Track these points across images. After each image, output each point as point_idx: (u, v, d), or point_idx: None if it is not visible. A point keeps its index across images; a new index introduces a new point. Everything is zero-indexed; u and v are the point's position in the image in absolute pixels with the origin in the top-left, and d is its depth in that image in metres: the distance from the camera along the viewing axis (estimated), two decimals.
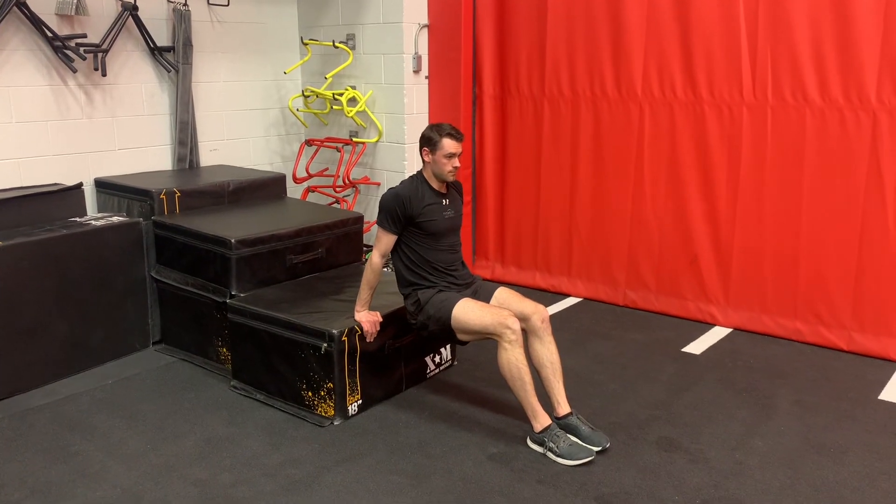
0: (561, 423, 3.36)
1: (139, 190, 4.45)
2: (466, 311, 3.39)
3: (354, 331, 3.55)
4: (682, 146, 4.73)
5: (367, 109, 5.46)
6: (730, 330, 4.71)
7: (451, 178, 3.54)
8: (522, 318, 3.40)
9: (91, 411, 3.67)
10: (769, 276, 4.57)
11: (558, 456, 3.20)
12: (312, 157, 5.71)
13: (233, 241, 3.95)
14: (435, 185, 3.54)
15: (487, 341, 3.43)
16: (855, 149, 4.17)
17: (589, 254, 5.24)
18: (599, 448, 3.26)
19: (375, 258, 3.55)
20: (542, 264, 5.45)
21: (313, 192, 5.71)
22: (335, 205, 5.57)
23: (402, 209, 3.47)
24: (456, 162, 3.48)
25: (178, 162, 5.17)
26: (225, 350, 4.09)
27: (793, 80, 4.29)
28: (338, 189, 5.51)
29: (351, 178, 5.48)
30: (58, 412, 3.66)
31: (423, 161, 3.53)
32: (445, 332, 3.48)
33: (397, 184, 3.60)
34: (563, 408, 3.40)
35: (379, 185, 5.62)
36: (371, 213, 5.68)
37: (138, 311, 4.35)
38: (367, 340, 3.59)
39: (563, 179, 5.25)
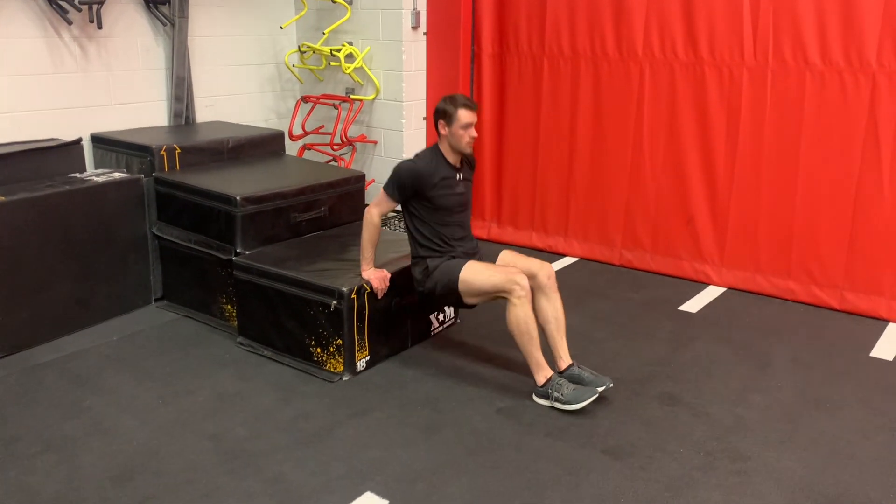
0: (564, 375, 3.44)
1: (139, 146, 4.41)
2: (475, 273, 3.44)
3: (363, 289, 3.58)
4: (681, 107, 4.77)
5: (364, 66, 5.42)
6: (724, 289, 4.80)
7: (468, 150, 3.58)
8: (529, 276, 3.44)
9: (99, 367, 3.69)
10: (764, 237, 4.65)
11: (565, 403, 3.27)
12: (308, 115, 5.67)
13: (238, 198, 3.94)
14: (451, 158, 3.58)
15: (495, 301, 3.48)
16: (853, 112, 4.23)
17: (586, 214, 5.29)
18: (603, 387, 3.33)
19: (375, 216, 3.59)
20: (539, 224, 5.49)
21: (309, 149, 5.69)
22: (332, 163, 5.55)
23: (413, 185, 3.51)
24: (473, 132, 3.51)
25: (175, 118, 5.12)
26: (229, 307, 4.11)
27: (794, 43, 4.32)
28: (335, 147, 5.49)
29: (348, 136, 5.46)
30: (66, 368, 3.67)
31: (440, 134, 3.55)
32: (453, 297, 3.53)
33: (414, 155, 3.62)
34: (565, 361, 3.48)
35: (376, 143, 5.60)
36: (369, 171, 5.68)
37: (140, 268, 4.34)
38: (378, 297, 3.63)
39: (562, 139, 5.27)
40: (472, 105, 3.51)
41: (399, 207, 3.65)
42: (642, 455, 3.01)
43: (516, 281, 3.33)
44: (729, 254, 4.79)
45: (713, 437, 3.14)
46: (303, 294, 3.63)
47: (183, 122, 5.14)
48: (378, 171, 5.65)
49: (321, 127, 5.76)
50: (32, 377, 3.58)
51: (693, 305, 4.56)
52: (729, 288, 4.81)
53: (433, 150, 3.60)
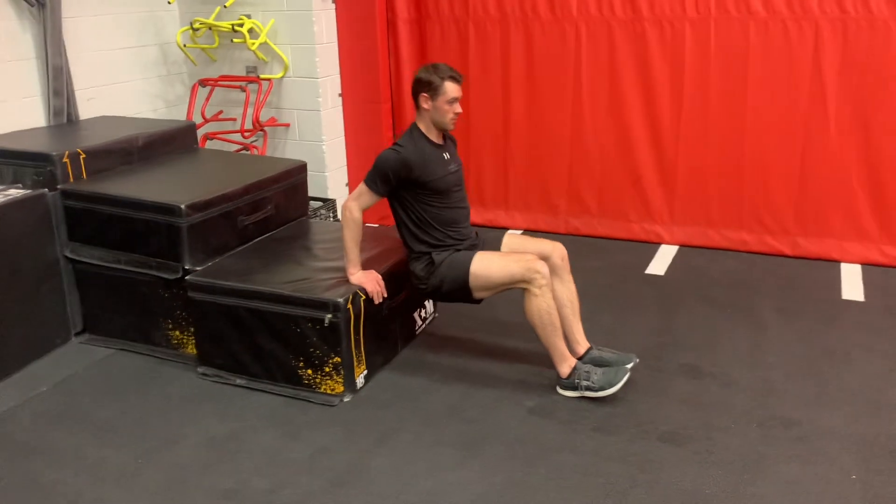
0: (585, 360, 3.24)
1: (31, 154, 3.66)
2: (487, 265, 3.12)
3: (358, 296, 3.16)
4: (622, 66, 4.63)
5: (268, 41, 4.85)
6: (677, 247, 4.77)
7: (451, 127, 3.24)
8: (542, 259, 3.18)
9: (41, 428, 3.03)
10: (714, 190, 4.65)
11: (598, 390, 3.07)
12: (207, 100, 5.02)
13: (183, 206, 3.35)
14: (433, 136, 3.24)
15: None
16: (798, 59, 4.27)
17: (526, 184, 5.07)
18: (631, 364, 3.18)
19: (356, 212, 3.18)
20: (476, 198, 5.20)
21: (212, 139, 5.05)
22: (244, 151, 4.96)
23: (398, 174, 3.14)
24: (458, 108, 3.18)
25: (55, 116, 4.33)
26: (177, 333, 3.54)
27: None
28: (246, 134, 4.90)
29: (260, 121, 4.88)
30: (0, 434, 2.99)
31: (421, 109, 3.19)
32: (461, 292, 3.20)
33: (395, 143, 3.23)
34: (583, 345, 3.30)
35: (288, 126, 5.06)
36: (285, 157, 5.12)
37: (54, 299, 3.63)
38: (376, 303, 3.23)
39: (495, 108, 4.99)
40: (459, 77, 3.17)
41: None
42: (700, 437, 2.86)
43: (536, 269, 3.05)
44: (679, 211, 4.76)
45: (755, 406, 3.05)
46: (286, 311, 3.15)
47: (65, 121, 4.36)
48: (295, 157, 5.11)
49: (220, 112, 5.12)
50: None
51: (657, 268, 4.49)
52: (681, 245, 4.78)
53: (410, 133, 3.24)
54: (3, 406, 3.19)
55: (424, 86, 3.14)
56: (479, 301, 3.27)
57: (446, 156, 3.27)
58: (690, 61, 4.47)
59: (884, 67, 4.12)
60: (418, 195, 3.18)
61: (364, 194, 3.18)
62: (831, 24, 4.14)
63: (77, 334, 3.77)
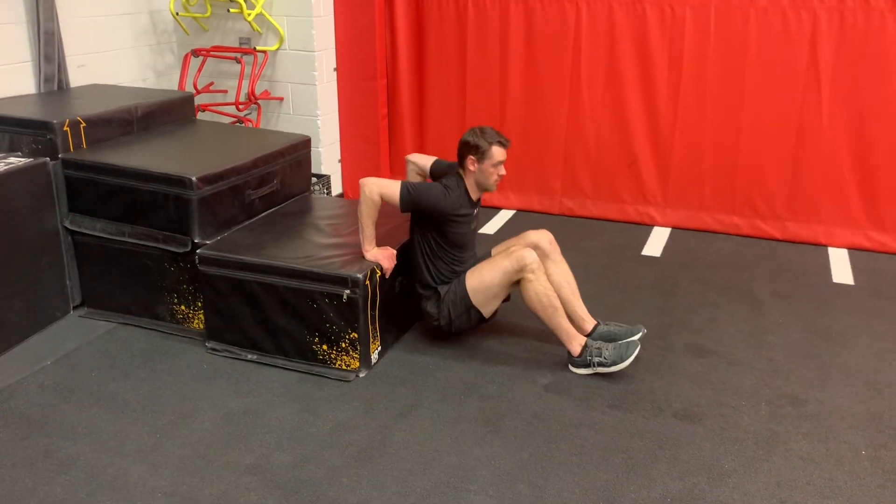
0: (595, 336, 3.31)
1: (31, 121, 3.55)
2: (479, 275, 3.25)
3: (375, 273, 3.16)
4: (621, 47, 4.66)
5: (263, 12, 4.76)
6: (669, 229, 4.85)
7: (494, 189, 3.34)
8: (532, 247, 3.30)
9: (50, 403, 2.97)
10: (708, 174, 4.72)
11: (610, 365, 3.13)
12: (200, 70, 4.91)
13: (193, 179, 3.29)
14: (474, 194, 3.33)
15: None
16: (795, 47, 4.35)
17: (522, 164, 5.07)
18: (639, 335, 3.29)
19: (376, 196, 3.20)
20: None
21: (204, 111, 4.95)
22: (238, 124, 4.87)
23: (429, 211, 3.23)
24: (502, 170, 3.27)
25: (45, 83, 4.20)
26: (183, 307, 3.49)
27: None
28: (240, 107, 4.81)
29: (255, 94, 4.80)
30: (8, 410, 2.92)
31: (466, 169, 3.26)
32: (471, 312, 3.30)
33: (444, 184, 3.28)
34: (589, 322, 3.37)
35: (282, 99, 4.99)
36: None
37: (54, 271, 3.55)
38: (386, 277, 3.24)
39: (492, 88, 4.99)
40: (506, 142, 3.26)
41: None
42: (713, 414, 2.94)
43: (524, 256, 3.16)
44: (672, 194, 4.83)
45: (762, 385, 3.14)
46: (302, 286, 3.13)
47: (56, 88, 4.24)
48: (289, 132, 5.04)
49: (211, 84, 5.02)
50: None
51: (653, 249, 4.56)
52: (673, 228, 4.86)
53: (458, 183, 3.29)
54: (7, 379, 3.12)
55: (472, 149, 3.21)
56: (490, 317, 3.37)
57: (475, 212, 3.37)
58: (689, 45, 4.52)
59: (879, 58, 4.22)
60: (439, 243, 3.28)
61: (392, 193, 3.19)
62: (829, 13, 4.22)
63: (75, 307, 3.69)
